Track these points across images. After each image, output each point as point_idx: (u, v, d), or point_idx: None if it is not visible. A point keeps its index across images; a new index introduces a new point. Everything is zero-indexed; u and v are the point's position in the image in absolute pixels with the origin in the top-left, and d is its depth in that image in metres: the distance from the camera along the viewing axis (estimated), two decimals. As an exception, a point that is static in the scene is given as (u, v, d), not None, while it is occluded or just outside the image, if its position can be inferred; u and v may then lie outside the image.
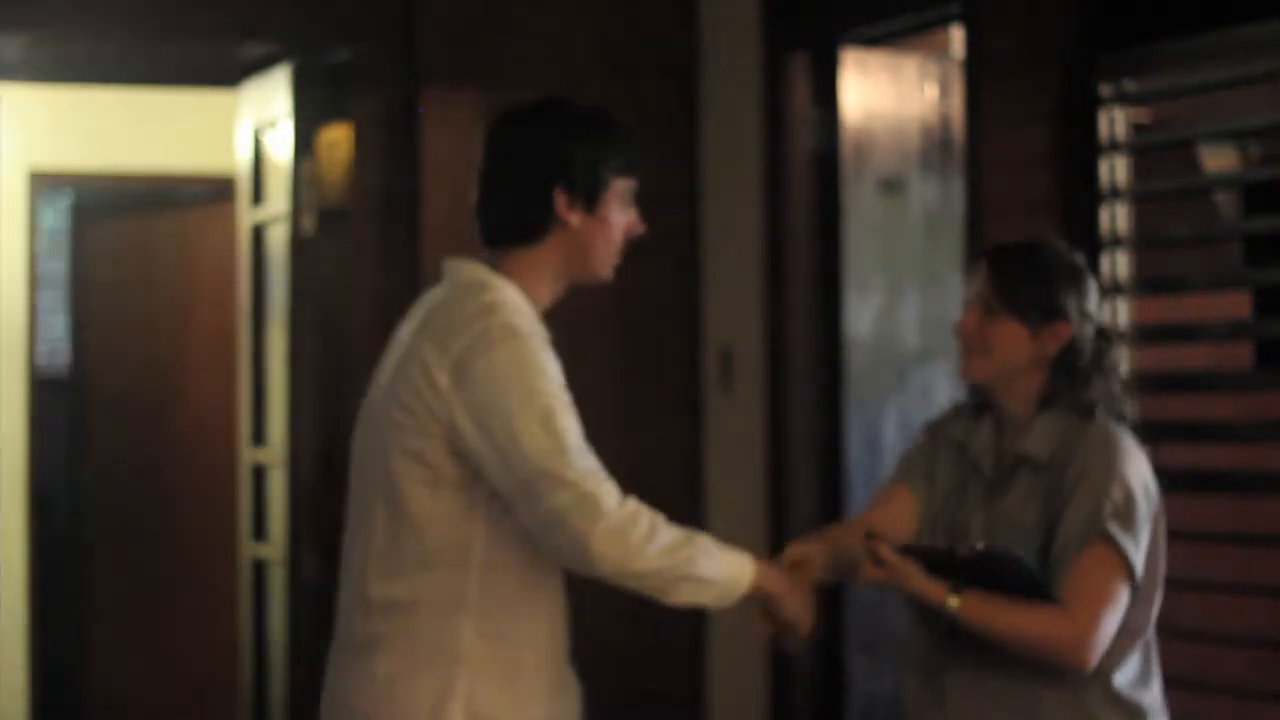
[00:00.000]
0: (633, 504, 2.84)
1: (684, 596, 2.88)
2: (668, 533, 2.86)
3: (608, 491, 2.82)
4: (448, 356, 2.87)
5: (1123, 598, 3.09)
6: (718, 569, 2.90)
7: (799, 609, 3.03)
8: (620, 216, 3.05)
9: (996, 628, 3.08)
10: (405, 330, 3.06)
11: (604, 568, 2.80)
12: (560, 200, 2.99)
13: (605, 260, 3.07)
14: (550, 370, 2.87)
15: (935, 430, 3.37)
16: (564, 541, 2.81)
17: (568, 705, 3.01)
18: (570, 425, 2.84)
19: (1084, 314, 3.23)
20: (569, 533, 2.79)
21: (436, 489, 2.88)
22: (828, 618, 4.83)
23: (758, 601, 2.99)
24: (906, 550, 3.14)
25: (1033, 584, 3.07)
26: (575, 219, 3.00)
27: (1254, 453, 4.07)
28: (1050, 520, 3.15)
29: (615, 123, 3.07)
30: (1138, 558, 3.10)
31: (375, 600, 2.96)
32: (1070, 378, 3.21)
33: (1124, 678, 3.16)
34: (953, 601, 3.08)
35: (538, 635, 2.95)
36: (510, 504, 2.86)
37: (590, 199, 3.00)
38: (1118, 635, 3.14)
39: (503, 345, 2.85)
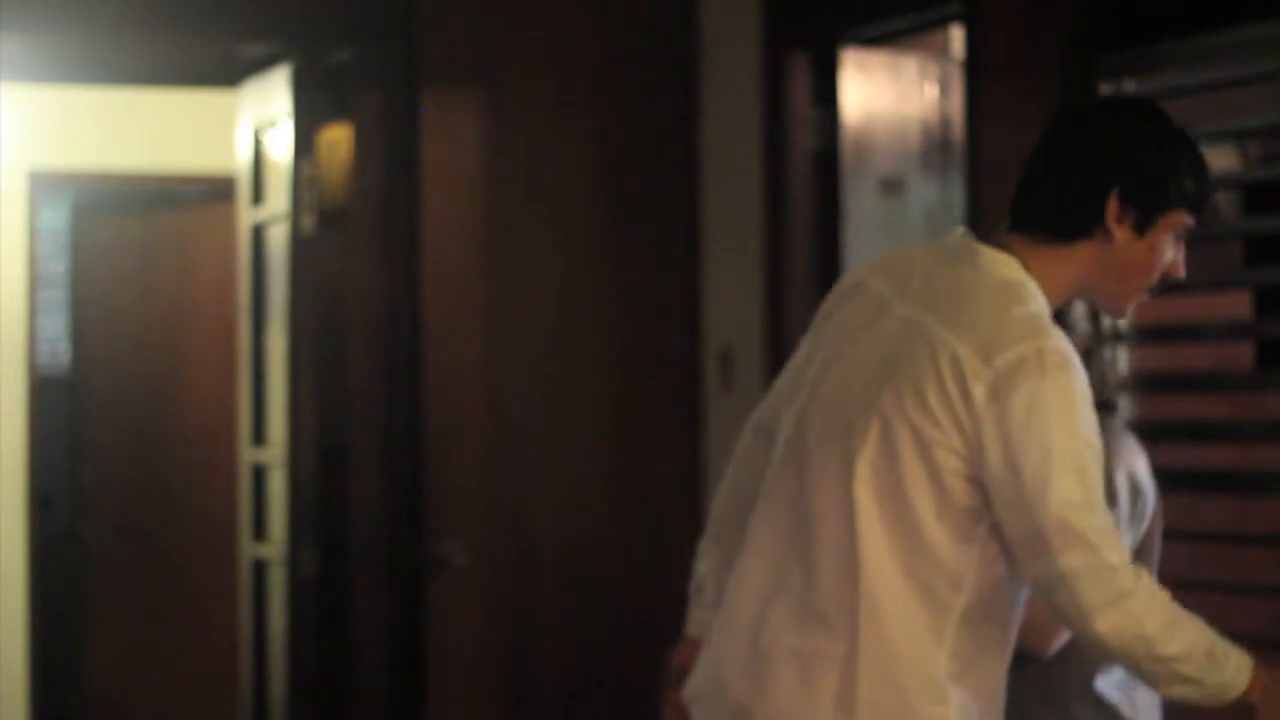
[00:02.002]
0: (1147, 581, 2.56)
1: (1172, 693, 2.60)
2: (1183, 625, 2.57)
3: (1124, 564, 2.55)
4: (990, 370, 2.56)
5: None
6: (1220, 677, 2.58)
7: None
8: (1168, 251, 2.71)
9: None
10: (889, 290, 2.74)
11: (1107, 646, 2.54)
12: (1112, 206, 2.67)
13: (1131, 290, 2.74)
14: (1091, 413, 2.60)
15: None
16: (1066, 605, 2.54)
17: None
18: (1100, 481, 2.58)
19: (1086, 318, 3.25)
20: (1075, 600, 2.53)
21: (942, 506, 2.60)
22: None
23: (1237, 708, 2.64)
24: None
25: None
26: (1120, 233, 2.68)
27: (1254, 453, 4.07)
28: None
29: (1199, 153, 2.74)
30: None
31: (833, 598, 2.65)
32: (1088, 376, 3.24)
33: (1109, 681, 3.16)
34: None
35: (991, 692, 2.68)
36: (1014, 551, 2.58)
37: (1144, 217, 2.68)
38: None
39: (1056, 376, 2.55)
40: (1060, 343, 2.58)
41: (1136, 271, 2.70)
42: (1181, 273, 2.73)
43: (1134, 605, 2.52)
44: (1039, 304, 2.63)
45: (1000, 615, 2.65)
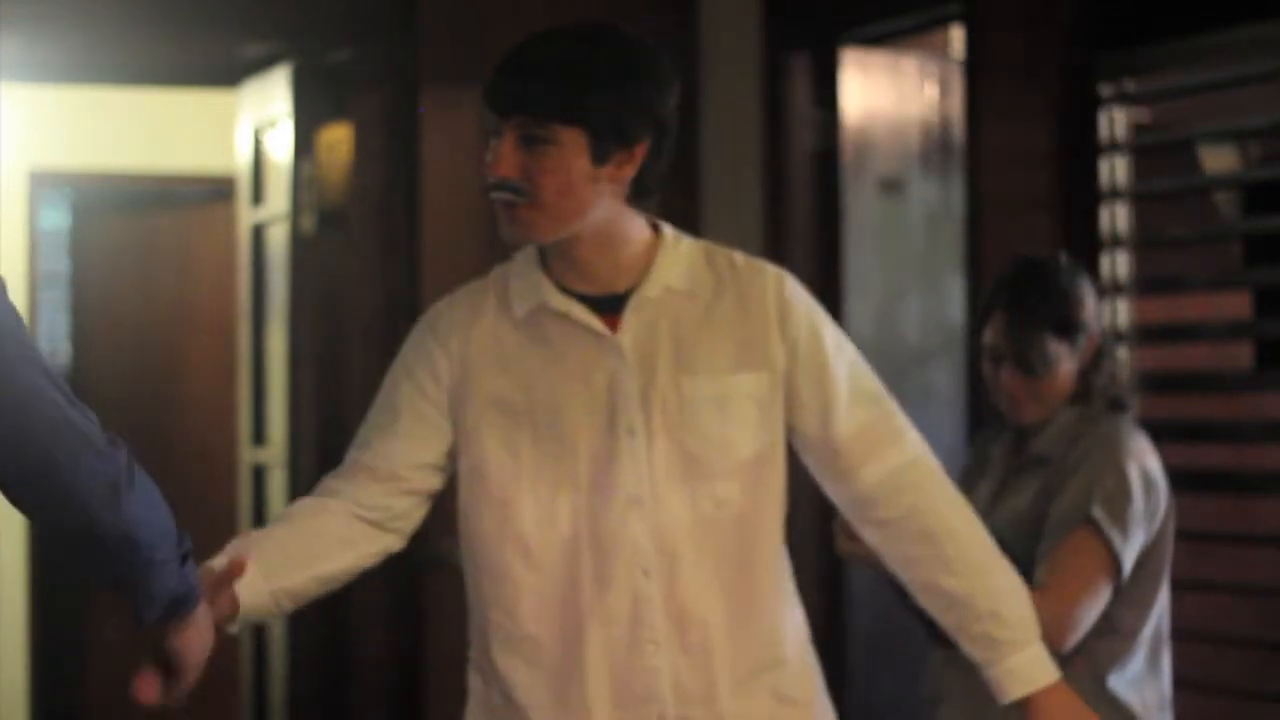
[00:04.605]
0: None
1: None
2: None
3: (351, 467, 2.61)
4: None
5: (1102, 585, 3.09)
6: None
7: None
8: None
9: None
10: None
11: None
12: None
13: None
14: (414, 352, 2.58)
15: (979, 440, 3.43)
16: None
17: None
18: (383, 398, 2.62)
19: (1097, 317, 3.26)
20: None
21: None
22: (828, 614, 4.83)
23: None
24: None
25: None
26: None
27: (1254, 453, 4.08)
28: (1046, 509, 3.16)
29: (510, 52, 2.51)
30: (1125, 550, 3.10)
31: None
32: (1099, 374, 3.24)
33: (1121, 679, 3.16)
34: None
35: None
36: None
37: None
38: (1111, 637, 3.14)
39: None
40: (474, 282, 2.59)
41: None
42: (490, 172, 2.52)
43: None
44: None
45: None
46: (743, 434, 2.50)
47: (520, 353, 2.51)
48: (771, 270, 2.57)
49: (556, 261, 2.52)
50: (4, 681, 7.53)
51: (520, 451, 2.49)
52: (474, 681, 2.58)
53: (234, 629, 2.49)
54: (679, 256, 2.55)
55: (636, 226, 2.54)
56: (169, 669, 2.30)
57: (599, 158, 2.44)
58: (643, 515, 2.46)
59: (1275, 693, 3.90)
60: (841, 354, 2.57)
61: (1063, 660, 3.12)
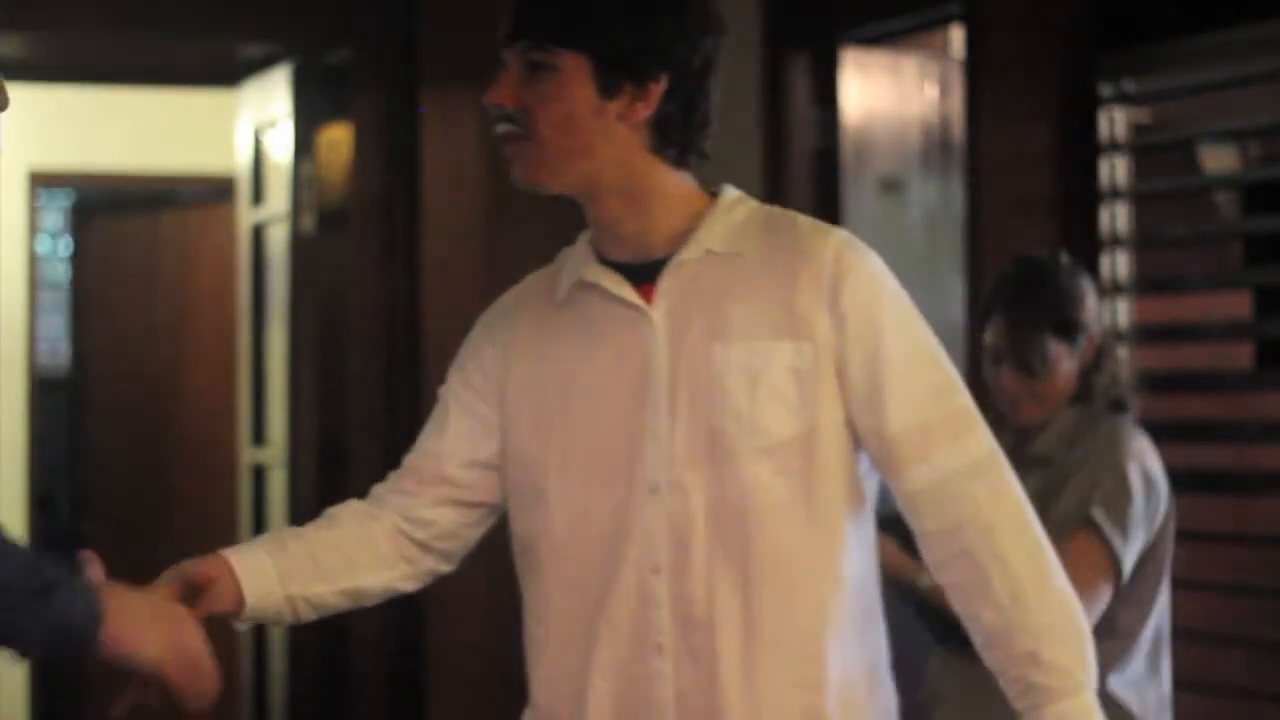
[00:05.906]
0: None
1: None
2: None
3: None
4: None
5: (1102, 586, 3.09)
6: None
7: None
8: None
9: None
10: None
11: None
12: None
13: None
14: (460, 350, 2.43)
15: None
16: None
17: None
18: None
19: (1097, 317, 3.26)
20: None
21: None
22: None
23: None
24: (882, 525, 3.13)
25: None
26: None
27: (1254, 453, 4.08)
28: (1046, 510, 3.16)
29: None
30: (1125, 551, 3.09)
31: None
32: (1100, 374, 3.24)
33: (1122, 680, 3.16)
34: (923, 580, 3.07)
35: None
36: None
37: None
38: (1111, 638, 3.14)
39: None
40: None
41: None
42: (487, 100, 2.34)
43: None
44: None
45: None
46: (777, 411, 2.17)
47: (561, 335, 2.28)
48: (839, 234, 2.25)
49: (593, 226, 2.29)
50: (4, 681, 7.53)
51: (550, 441, 2.25)
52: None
53: (241, 626, 2.41)
54: (731, 219, 2.27)
55: (675, 184, 2.28)
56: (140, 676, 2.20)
57: (605, 90, 2.22)
58: (659, 504, 2.18)
59: (1275, 693, 3.90)
60: (905, 336, 2.22)
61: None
